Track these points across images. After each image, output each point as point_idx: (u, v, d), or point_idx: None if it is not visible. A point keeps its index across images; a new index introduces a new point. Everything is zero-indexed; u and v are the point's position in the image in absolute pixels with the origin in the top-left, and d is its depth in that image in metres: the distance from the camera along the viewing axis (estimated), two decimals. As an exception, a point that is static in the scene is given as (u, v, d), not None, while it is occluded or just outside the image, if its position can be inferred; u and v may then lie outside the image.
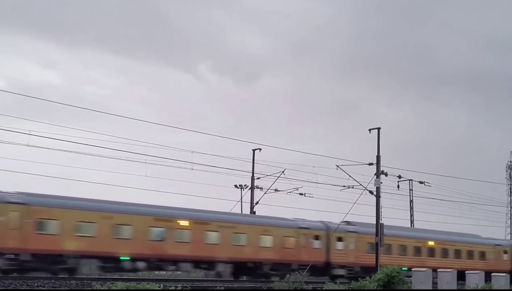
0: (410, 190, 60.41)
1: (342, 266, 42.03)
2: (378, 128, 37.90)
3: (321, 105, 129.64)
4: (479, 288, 33.80)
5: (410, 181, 57.74)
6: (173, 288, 22.85)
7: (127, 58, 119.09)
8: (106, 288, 20.78)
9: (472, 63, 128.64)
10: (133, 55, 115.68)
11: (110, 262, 32.44)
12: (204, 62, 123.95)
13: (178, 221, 34.87)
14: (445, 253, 48.63)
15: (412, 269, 34.43)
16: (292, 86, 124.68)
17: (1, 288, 23.78)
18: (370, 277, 30.43)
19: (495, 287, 34.32)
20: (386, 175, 39.25)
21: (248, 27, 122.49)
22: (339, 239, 42.38)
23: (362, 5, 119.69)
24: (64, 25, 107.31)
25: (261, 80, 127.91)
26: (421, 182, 49.50)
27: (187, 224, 35.10)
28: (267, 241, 38.79)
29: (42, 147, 33.67)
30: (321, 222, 42.67)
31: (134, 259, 33.12)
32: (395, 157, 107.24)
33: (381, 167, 38.32)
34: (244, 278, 38.05)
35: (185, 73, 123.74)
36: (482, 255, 51.81)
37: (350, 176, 39.04)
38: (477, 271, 36.97)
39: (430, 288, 33.24)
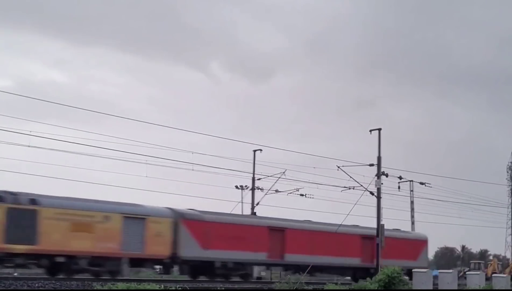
0: (410, 190, 60.44)
1: None
2: (379, 129, 37.89)
3: (331, 104, 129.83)
4: (480, 288, 33.83)
5: (411, 182, 57.77)
6: (173, 288, 22.88)
7: (136, 56, 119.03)
8: (106, 289, 20.76)
9: (486, 62, 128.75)
10: (142, 53, 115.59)
11: None
12: (215, 60, 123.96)
13: None
14: None
15: (413, 270, 34.21)
16: (303, 84, 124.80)
17: (2, 288, 23.79)
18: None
19: (496, 288, 34.30)
20: (386, 175, 39.25)
21: (261, 24, 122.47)
22: None
23: (376, 2, 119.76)
24: (72, 24, 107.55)
25: (273, 79, 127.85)
26: (421, 183, 49.51)
27: None
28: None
29: (43, 148, 33.75)
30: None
31: None
32: (401, 155, 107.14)
33: (381, 168, 38.32)
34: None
35: (195, 71, 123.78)
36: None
37: (350, 177, 39.03)
38: None
39: (431, 288, 33.24)
